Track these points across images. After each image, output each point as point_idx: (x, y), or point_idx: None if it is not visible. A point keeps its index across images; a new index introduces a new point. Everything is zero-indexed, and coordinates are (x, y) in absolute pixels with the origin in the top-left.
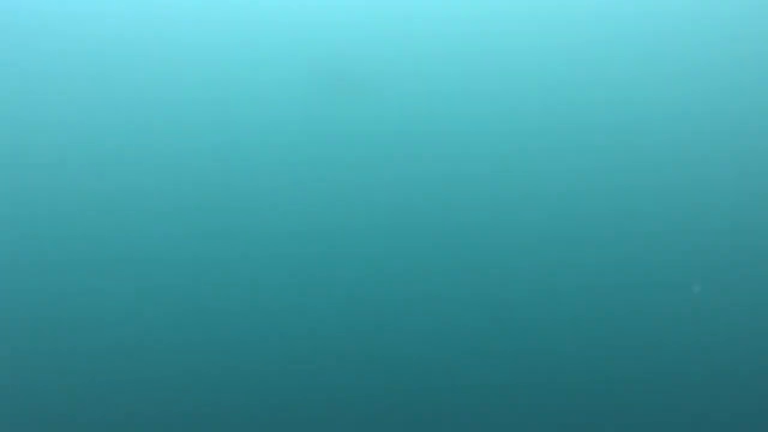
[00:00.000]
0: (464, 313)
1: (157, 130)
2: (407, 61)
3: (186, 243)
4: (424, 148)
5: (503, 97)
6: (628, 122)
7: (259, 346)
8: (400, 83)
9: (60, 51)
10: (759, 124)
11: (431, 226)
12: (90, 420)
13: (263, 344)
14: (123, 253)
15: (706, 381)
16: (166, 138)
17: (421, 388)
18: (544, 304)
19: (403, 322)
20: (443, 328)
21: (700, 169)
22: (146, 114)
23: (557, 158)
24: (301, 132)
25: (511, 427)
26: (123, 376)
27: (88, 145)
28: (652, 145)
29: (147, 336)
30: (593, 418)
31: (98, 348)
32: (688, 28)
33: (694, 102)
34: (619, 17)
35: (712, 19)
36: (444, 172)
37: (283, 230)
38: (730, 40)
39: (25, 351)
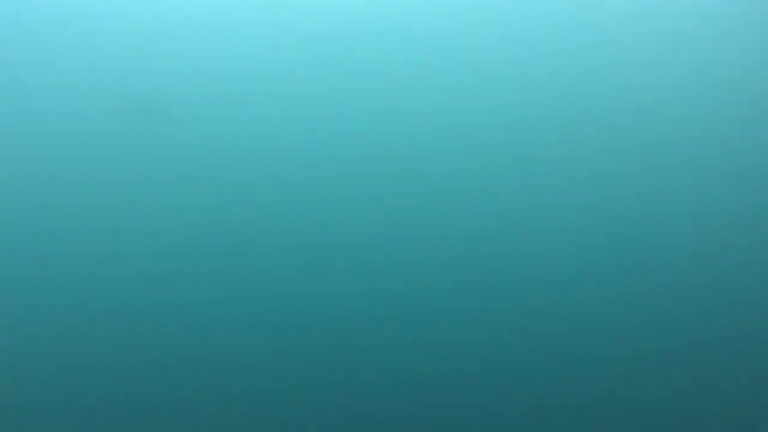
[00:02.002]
0: (461, 314)
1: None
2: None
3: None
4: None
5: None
6: (628, 125)
7: (256, 346)
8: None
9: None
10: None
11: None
12: (89, 419)
13: (260, 344)
14: (116, 252)
15: (704, 383)
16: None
17: (420, 389)
18: (545, 304)
19: (395, 323)
20: (440, 328)
21: (701, 171)
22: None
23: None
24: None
25: (512, 427)
26: (123, 376)
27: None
28: (654, 147)
29: (146, 333)
30: (592, 418)
31: (99, 348)
32: (690, 29)
33: (696, 104)
34: (618, 18)
35: (713, 20)
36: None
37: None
38: (731, 40)
39: (24, 351)
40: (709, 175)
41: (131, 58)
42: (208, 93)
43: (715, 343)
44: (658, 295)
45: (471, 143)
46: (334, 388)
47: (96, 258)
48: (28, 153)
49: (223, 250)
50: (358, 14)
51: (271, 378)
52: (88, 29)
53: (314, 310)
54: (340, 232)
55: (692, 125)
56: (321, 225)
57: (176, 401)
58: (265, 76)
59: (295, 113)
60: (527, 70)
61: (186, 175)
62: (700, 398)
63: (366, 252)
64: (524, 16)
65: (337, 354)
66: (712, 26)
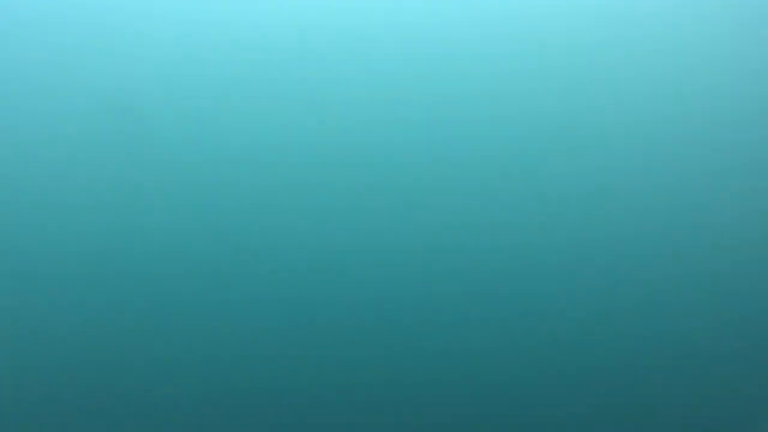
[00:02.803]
0: (463, 320)
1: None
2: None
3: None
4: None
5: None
6: (631, 128)
7: (251, 351)
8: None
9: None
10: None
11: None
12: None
13: (254, 348)
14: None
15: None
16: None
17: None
18: (548, 310)
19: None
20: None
21: (704, 171)
22: None
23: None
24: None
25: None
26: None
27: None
28: (655, 147)
29: (126, 337)
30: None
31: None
32: (690, 28)
33: (698, 103)
34: (619, 17)
35: (713, 19)
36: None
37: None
38: (730, 40)
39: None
40: (711, 177)
41: (117, 59)
42: (196, 95)
43: (719, 346)
44: (662, 301)
45: (472, 147)
46: (335, 394)
47: (82, 259)
48: (12, 153)
49: (212, 253)
50: (351, 13)
51: (271, 381)
52: (73, 29)
53: (310, 315)
54: (331, 236)
55: (693, 127)
56: (314, 229)
57: (175, 403)
58: (253, 78)
59: (286, 114)
60: (529, 74)
61: (174, 178)
62: (701, 401)
63: (361, 257)
64: (525, 18)
65: (337, 359)
66: (712, 26)
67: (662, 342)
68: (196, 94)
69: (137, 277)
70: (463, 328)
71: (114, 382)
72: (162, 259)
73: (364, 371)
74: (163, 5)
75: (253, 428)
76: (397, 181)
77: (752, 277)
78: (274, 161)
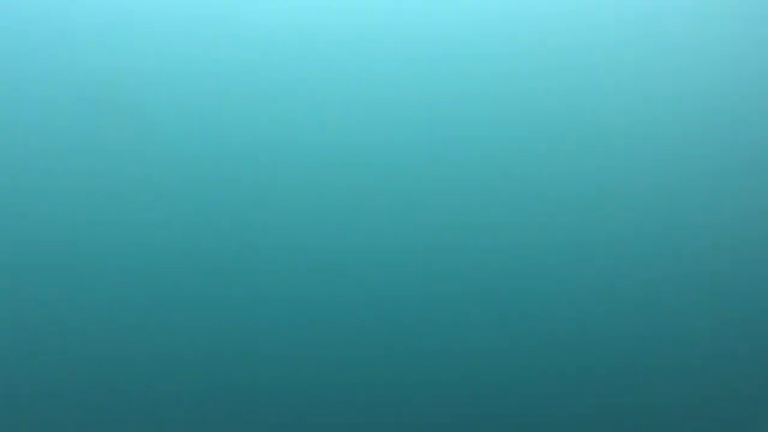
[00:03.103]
0: (459, 317)
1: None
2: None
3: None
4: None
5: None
6: (631, 124)
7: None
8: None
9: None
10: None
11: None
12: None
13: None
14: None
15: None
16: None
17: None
18: (545, 309)
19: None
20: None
21: (704, 171)
22: None
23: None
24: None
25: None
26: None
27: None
28: (655, 147)
29: (147, 336)
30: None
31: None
32: (690, 28)
33: (698, 103)
34: (619, 17)
35: (713, 19)
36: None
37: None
38: (731, 40)
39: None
40: (711, 177)
41: (106, 54)
42: (196, 94)
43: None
44: (662, 301)
45: (472, 147)
46: (335, 394)
47: (81, 258)
48: (11, 153)
49: (212, 252)
50: (351, 13)
51: (271, 380)
52: (62, 23)
53: (310, 315)
54: (331, 236)
55: (693, 127)
56: (314, 228)
57: (175, 401)
58: (253, 77)
59: (287, 114)
60: (529, 74)
61: (173, 178)
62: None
63: (361, 257)
64: (525, 19)
65: (337, 359)
66: (712, 26)
67: (662, 342)
68: (195, 93)
69: (137, 276)
70: (463, 328)
71: (114, 378)
72: (162, 259)
73: (364, 371)
74: (163, 4)
75: (253, 427)
76: (397, 181)
77: (752, 277)
78: (274, 161)
